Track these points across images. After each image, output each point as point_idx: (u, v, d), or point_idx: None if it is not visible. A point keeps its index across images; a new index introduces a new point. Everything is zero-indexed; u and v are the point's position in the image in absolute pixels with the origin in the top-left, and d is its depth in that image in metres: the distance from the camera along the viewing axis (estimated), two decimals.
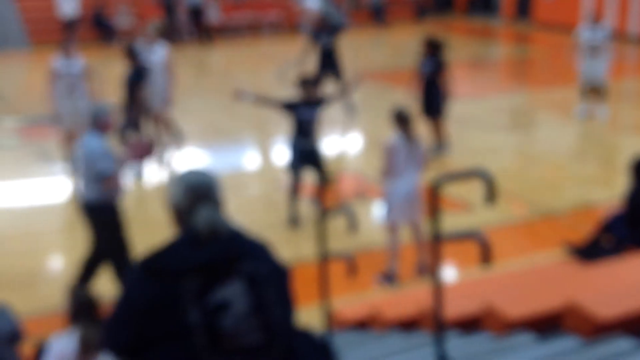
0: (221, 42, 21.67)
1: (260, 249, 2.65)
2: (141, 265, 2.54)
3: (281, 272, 2.68)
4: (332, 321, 5.36)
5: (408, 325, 5.03)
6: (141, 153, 6.19)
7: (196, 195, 2.60)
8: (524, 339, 4.00)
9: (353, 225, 6.71)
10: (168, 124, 10.88)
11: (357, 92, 12.28)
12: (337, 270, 6.03)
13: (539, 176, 9.80)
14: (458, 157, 10.38)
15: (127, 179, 8.83)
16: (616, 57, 13.46)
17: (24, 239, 8.25)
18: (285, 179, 8.84)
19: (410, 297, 5.73)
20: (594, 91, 11.91)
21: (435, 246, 3.79)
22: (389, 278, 6.87)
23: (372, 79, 14.78)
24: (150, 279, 2.49)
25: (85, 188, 6.17)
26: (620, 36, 17.76)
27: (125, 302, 2.55)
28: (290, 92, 12.13)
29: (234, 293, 2.49)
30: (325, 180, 8.21)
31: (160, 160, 10.57)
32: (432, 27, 22.29)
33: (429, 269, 6.43)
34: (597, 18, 11.95)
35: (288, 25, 23.17)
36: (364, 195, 9.14)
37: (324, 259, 5.18)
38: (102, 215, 6.21)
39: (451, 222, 6.82)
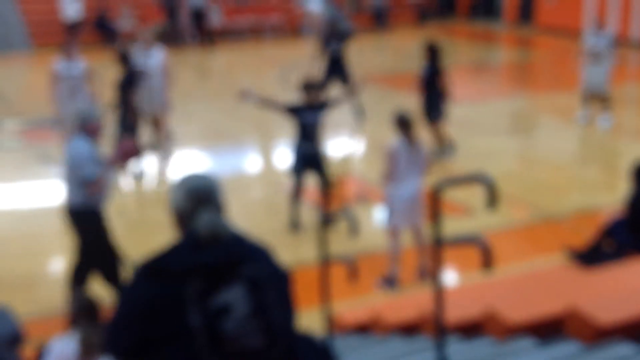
0: (223, 45, 21.70)
1: (261, 252, 2.66)
2: (143, 267, 2.54)
3: (282, 276, 2.68)
4: (333, 325, 5.35)
5: (409, 329, 5.03)
6: (127, 155, 6.09)
7: (198, 199, 2.60)
8: (525, 344, 4.00)
9: (354, 229, 6.72)
10: (164, 128, 10.82)
11: (360, 96, 12.34)
12: (338, 274, 6.02)
13: (541, 180, 9.80)
14: (460, 161, 10.39)
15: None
16: (618, 62, 13.47)
17: (25, 241, 8.26)
18: (286, 183, 8.85)
19: (412, 302, 5.73)
20: (597, 99, 11.93)
21: (436, 250, 3.79)
22: (390, 282, 6.87)
23: (374, 83, 14.78)
24: (152, 281, 2.49)
25: (69, 192, 6.05)
26: (622, 41, 17.76)
27: (126, 305, 2.56)
28: (291, 95, 12.15)
29: (235, 296, 2.49)
30: (326, 185, 8.21)
31: (160, 164, 10.58)
32: (434, 31, 22.31)
33: (430, 273, 6.43)
34: (600, 25, 11.96)
35: (290, 28, 23.21)
36: (365, 199, 9.14)
37: (325, 263, 5.18)
38: (85, 220, 6.09)
39: (452, 226, 6.82)
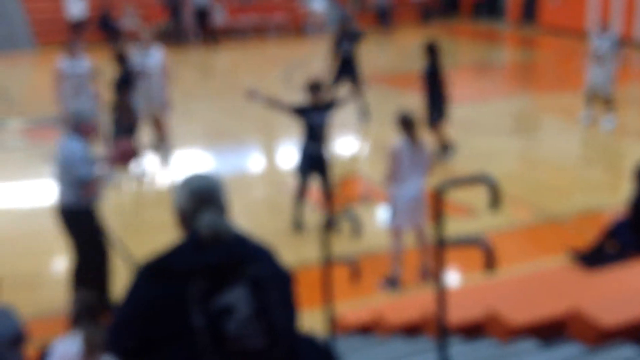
0: (227, 44, 21.71)
1: (264, 253, 2.66)
2: (145, 267, 2.55)
3: (285, 277, 2.68)
4: (335, 326, 5.35)
5: (411, 330, 5.03)
6: (124, 156, 6.06)
7: (200, 199, 2.61)
8: (528, 346, 4.00)
9: (357, 229, 6.72)
10: (165, 129, 10.80)
11: (366, 97, 12.33)
12: (340, 275, 6.02)
13: (544, 181, 9.79)
14: (462, 161, 10.38)
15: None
16: (622, 63, 13.44)
17: (28, 240, 8.27)
18: (289, 183, 8.84)
19: (414, 302, 5.72)
20: (600, 100, 11.92)
21: (439, 251, 3.79)
22: (393, 283, 6.87)
23: (376, 83, 14.78)
24: (155, 281, 2.50)
25: (62, 193, 6.02)
26: (626, 42, 17.73)
27: (129, 305, 2.56)
28: (295, 94, 12.15)
29: (238, 297, 2.50)
30: (329, 187, 8.18)
31: (161, 164, 10.58)
32: (438, 31, 22.29)
33: (433, 273, 6.43)
34: (605, 26, 11.96)
35: (294, 27, 23.21)
36: (368, 199, 9.14)
37: (328, 263, 5.19)
38: (78, 220, 6.06)
39: (455, 227, 6.82)
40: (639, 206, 5.68)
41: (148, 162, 10.53)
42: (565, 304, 4.11)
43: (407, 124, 6.73)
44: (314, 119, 7.89)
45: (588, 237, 6.46)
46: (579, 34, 20.15)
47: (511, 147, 11.58)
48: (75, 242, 6.18)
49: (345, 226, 7.88)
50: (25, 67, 20.04)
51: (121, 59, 9.82)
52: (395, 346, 4.87)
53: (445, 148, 10.51)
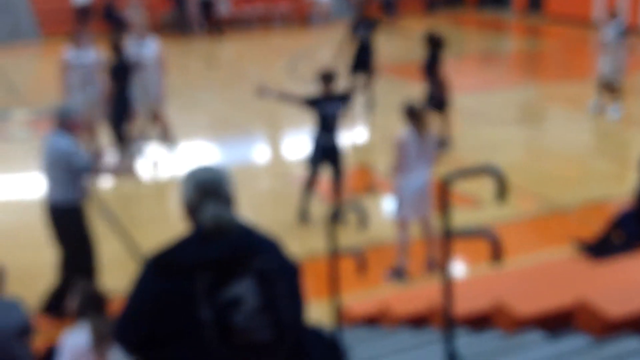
0: (231, 34, 21.66)
1: (270, 245, 2.66)
2: (151, 261, 2.55)
3: (291, 269, 2.68)
4: (342, 317, 5.36)
5: (418, 321, 5.04)
6: (121, 172, 6.08)
7: (204, 191, 2.61)
8: (534, 337, 4.00)
9: (363, 221, 6.70)
10: (162, 121, 10.77)
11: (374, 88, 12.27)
12: (346, 266, 6.02)
13: (550, 171, 9.76)
14: (468, 151, 10.35)
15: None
16: (629, 51, 13.38)
17: (35, 231, 8.27)
18: (295, 173, 8.83)
19: (420, 294, 5.73)
20: (607, 88, 11.88)
21: (445, 242, 3.79)
22: (399, 274, 6.87)
23: (382, 73, 14.74)
24: (161, 274, 2.50)
25: (50, 189, 6.00)
26: (633, 30, 17.63)
27: (136, 298, 2.56)
28: (300, 84, 12.12)
29: (244, 289, 2.50)
30: (341, 178, 8.14)
31: (160, 156, 10.54)
32: (443, 20, 22.21)
33: (439, 265, 6.42)
34: (612, 14, 11.94)
35: (299, 17, 23.14)
36: (374, 190, 9.13)
37: (334, 255, 5.19)
38: (66, 218, 6.05)
39: (461, 217, 6.80)
40: None
41: (154, 154, 10.53)
42: (572, 295, 4.10)
43: (413, 114, 6.72)
44: (326, 110, 7.82)
45: (594, 227, 6.45)
46: (586, 23, 20.05)
47: (517, 137, 11.55)
48: (62, 239, 6.16)
49: (351, 217, 7.87)
50: (30, 58, 20.03)
51: (117, 48, 9.78)
52: (401, 337, 4.88)
53: (443, 141, 10.46)
